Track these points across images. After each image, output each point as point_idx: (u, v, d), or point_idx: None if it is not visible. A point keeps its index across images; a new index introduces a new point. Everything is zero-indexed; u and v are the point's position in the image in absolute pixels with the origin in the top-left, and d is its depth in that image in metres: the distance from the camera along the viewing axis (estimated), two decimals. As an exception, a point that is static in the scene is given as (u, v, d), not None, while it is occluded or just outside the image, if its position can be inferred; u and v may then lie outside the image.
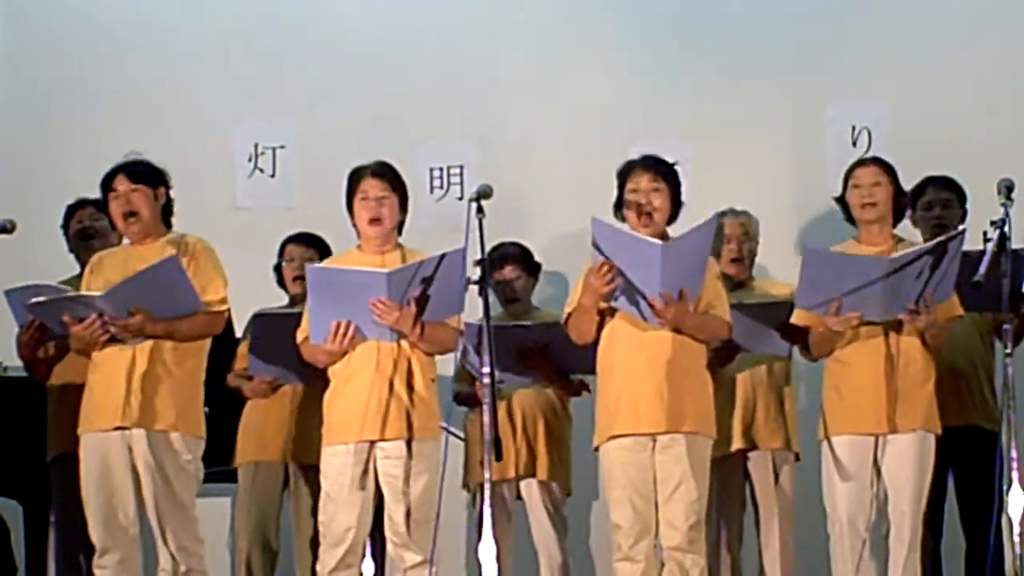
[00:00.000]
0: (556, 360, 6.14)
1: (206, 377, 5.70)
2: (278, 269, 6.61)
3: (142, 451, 5.44)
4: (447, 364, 5.57)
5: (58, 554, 6.23)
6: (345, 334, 5.39)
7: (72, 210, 6.45)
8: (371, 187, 5.57)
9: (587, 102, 7.81)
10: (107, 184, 5.65)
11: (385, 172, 5.61)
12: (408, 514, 5.38)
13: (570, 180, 7.63)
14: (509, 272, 6.52)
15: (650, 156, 5.66)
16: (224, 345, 5.92)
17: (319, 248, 6.49)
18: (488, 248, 6.40)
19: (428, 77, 7.90)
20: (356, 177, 5.62)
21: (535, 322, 6.25)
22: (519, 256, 6.57)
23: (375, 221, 5.55)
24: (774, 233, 6.77)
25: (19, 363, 6.12)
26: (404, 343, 5.44)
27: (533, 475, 6.38)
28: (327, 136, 7.78)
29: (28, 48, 8.15)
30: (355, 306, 5.35)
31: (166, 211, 5.72)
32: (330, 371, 5.55)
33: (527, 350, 6.16)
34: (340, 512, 5.42)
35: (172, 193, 5.73)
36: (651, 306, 5.34)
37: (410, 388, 5.44)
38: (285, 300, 6.60)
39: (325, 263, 5.88)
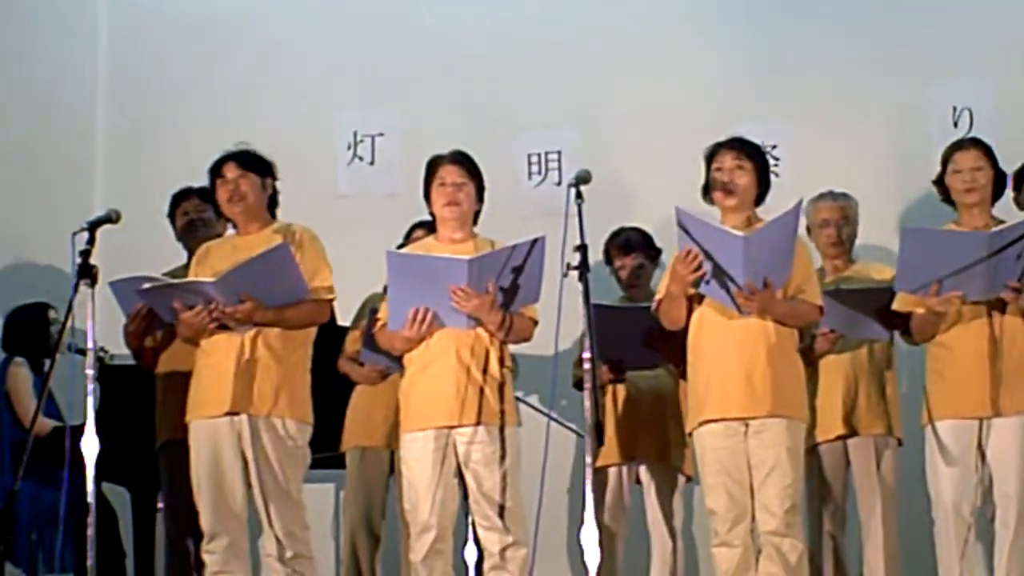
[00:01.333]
0: (681, 341, 6.11)
1: (311, 363, 5.74)
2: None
3: (250, 437, 5.49)
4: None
5: (166, 539, 6.30)
6: (423, 321, 5.41)
7: (178, 199, 6.50)
8: (448, 173, 5.59)
9: (686, 85, 7.79)
10: (216, 170, 5.71)
11: (463, 159, 5.63)
12: (495, 498, 5.40)
13: (669, 164, 7.58)
14: (632, 260, 6.49)
15: (735, 137, 5.65)
16: (328, 331, 5.96)
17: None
18: (609, 233, 6.46)
19: (527, 64, 7.91)
20: (434, 165, 5.64)
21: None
22: (643, 243, 6.53)
23: (451, 205, 5.57)
24: (874, 215, 6.71)
25: (126, 352, 6.21)
26: (482, 330, 5.46)
27: (651, 458, 6.35)
28: (426, 123, 7.81)
29: (131, 41, 8.26)
30: (434, 293, 5.36)
31: (272, 201, 5.77)
32: (407, 358, 5.57)
33: (654, 332, 6.14)
34: (423, 499, 5.45)
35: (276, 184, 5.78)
36: (736, 296, 5.33)
37: (488, 374, 5.46)
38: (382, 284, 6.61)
39: (405, 249, 5.90)
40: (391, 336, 5.53)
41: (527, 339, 5.49)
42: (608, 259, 6.55)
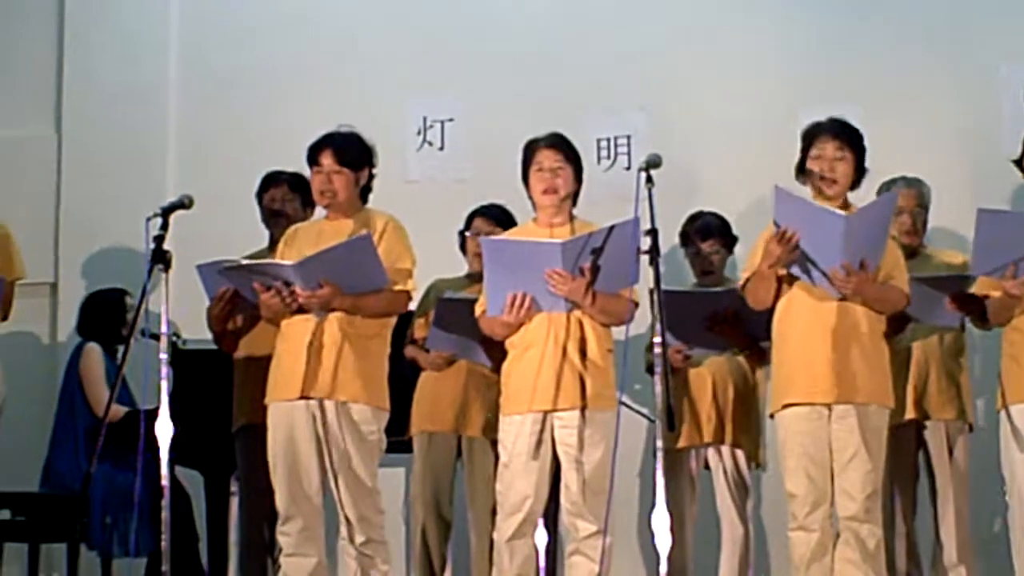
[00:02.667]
0: (746, 327, 6.09)
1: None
2: (463, 235, 6.64)
3: (327, 421, 5.52)
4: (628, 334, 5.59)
5: (242, 522, 6.35)
6: (521, 305, 5.43)
7: (267, 183, 6.51)
8: (546, 158, 5.59)
9: (755, 68, 7.75)
10: (314, 154, 5.72)
11: (560, 143, 5.63)
12: (584, 483, 5.41)
13: (738, 148, 7.58)
14: (709, 246, 6.47)
15: (837, 121, 5.61)
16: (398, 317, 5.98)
17: (504, 224, 6.45)
18: (686, 217, 6.45)
19: (595, 48, 7.89)
20: (531, 149, 5.65)
21: (724, 287, 6.21)
22: (720, 229, 6.50)
23: (549, 191, 5.57)
24: (946, 197, 6.64)
25: (198, 336, 6.25)
26: (579, 313, 5.46)
27: (721, 443, 6.35)
28: (494, 108, 7.81)
29: (202, 29, 8.30)
30: (530, 277, 5.38)
31: (365, 189, 5.79)
32: (508, 343, 5.59)
33: (716, 316, 6.13)
34: (517, 481, 5.47)
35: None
36: (831, 276, 5.31)
37: (586, 358, 5.46)
38: (458, 272, 6.65)
39: (503, 235, 5.91)
40: (491, 322, 5.55)
41: (624, 321, 5.45)
42: (684, 242, 6.54)
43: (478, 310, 5.63)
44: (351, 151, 5.72)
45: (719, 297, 6.14)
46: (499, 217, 6.48)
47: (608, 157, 7.84)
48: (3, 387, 6.54)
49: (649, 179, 5.10)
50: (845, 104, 7.22)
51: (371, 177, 5.80)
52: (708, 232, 6.48)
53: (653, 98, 7.80)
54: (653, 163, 5.15)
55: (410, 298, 5.79)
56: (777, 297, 5.52)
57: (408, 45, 8.05)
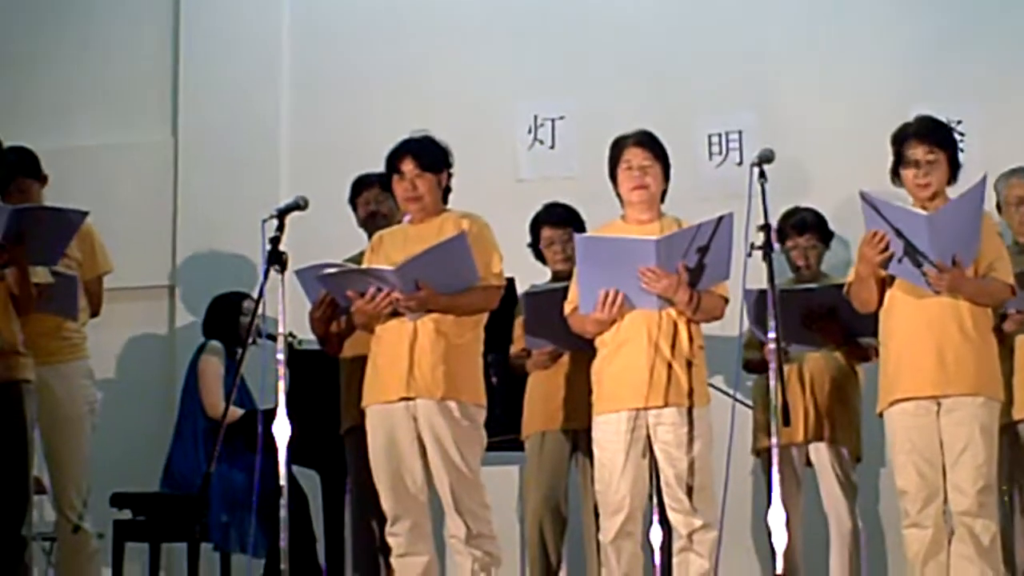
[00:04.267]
0: (844, 323, 6.07)
1: (491, 346, 5.79)
2: (534, 246, 6.63)
3: (426, 421, 5.53)
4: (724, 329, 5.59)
5: (353, 522, 6.40)
6: (614, 303, 5.43)
7: (358, 187, 6.59)
8: (634, 156, 5.59)
9: (864, 63, 7.70)
10: (393, 162, 5.75)
11: (648, 141, 5.62)
12: (685, 480, 5.40)
13: (849, 143, 7.53)
14: (805, 241, 6.48)
15: (925, 121, 5.56)
16: (504, 315, 6.00)
17: (570, 221, 6.47)
18: (782, 213, 6.42)
19: (704, 44, 7.87)
20: (619, 146, 5.65)
21: (820, 284, 6.19)
22: (816, 224, 6.52)
23: (639, 188, 5.57)
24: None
25: (314, 337, 6.31)
26: (672, 310, 5.46)
27: (822, 439, 6.33)
28: (605, 106, 7.80)
29: (314, 32, 8.39)
30: (623, 274, 5.38)
31: (445, 191, 5.81)
32: (599, 340, 5.58)
33: (813, 314, 6.11)
34: (615, 480, 5.46)
35: (454, 169, 5.82)
36: (927, 274, 5.28)
37: (680, 354, 5.45)
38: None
39: (592, 232, 5.91)
40: (583, 319, 5.54)
41: (718, 317, 5.48)
42: (781, 238, 6.52)
43: (567, 307, 5.64)
44: (430, 155, 5.75)
45: (813, 294, 6.14)
46: (565, 217, 6.50)
47: (719, 153, 7.82)
48: (94, 390, 6.63)
49: (762, 174, 5.10)
50: (959, 98, 7.21)
51: (449, 177, 5.82)
52: (804, 227, 6.49)
53: (763, 94, 7.77)
54: (766, 158, 5.14)
55: (501, 294, 5.77)
56: (882, 297, 5.49)
57: (519, 44, 8.08)
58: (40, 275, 5.90)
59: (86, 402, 6.47)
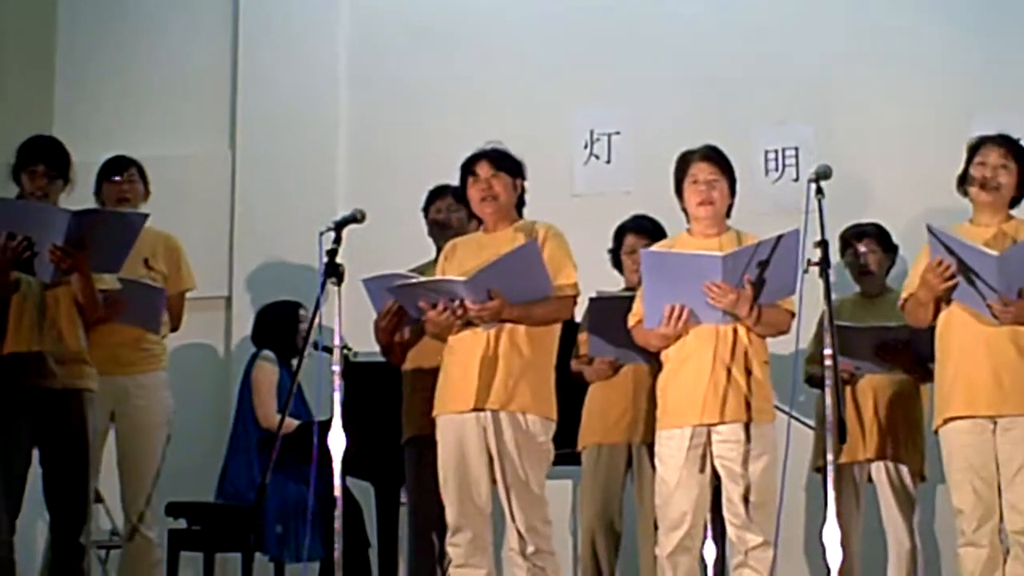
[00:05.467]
0: (915, 353, 6.07)
1: (552, 359, 5.80)
2: (615, 253, 6.65)
3: (496, 433, 5.53)
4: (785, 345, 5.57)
5: (411, 532, 6.37)
6: (679, 318, 5.42)
7: (433, 196, 6.56)
8: (701, 170, 5.59)
9: (922, 78, 7.68)
10: (468, 167, 5.77)
11: (714, 156, 5.63)
12: (747, 496, 5.39)
13: (907, 159, 7.51)
14: (865, 245, 6.50)
15: (1003, 134, 5.57)
16: (565, 328, 6.00)
17: (656, 236, 6.46)
18: (843, 228, 6.42)
19: (761, 60, 7.87)
20: (685, 161, 5.65)
21: (898, 323, 6.15)
22: (875, 233, 6.54)
23: (705, 203, 5.57)
24: None
25: (368, 348, 6.33)
26: (737, 325, 5.45)
27: (885, 457, 6.31)
28: (661, 121, 7.81)
29: (372, 43, 8.43)
30: (689, 289, 5.38)
31: (519, 201, 5.83)
32: (663, 355, 5.58)
33: (887, 346, 6.12)
34: (676, 495, 5.46)
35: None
36: (992, 306, 5.29)
37: (746, 371, 5.44)
38: (620, 284, 6.64)
39: (658, 247, 5.91)
40: (647, 333, 5.55)
41: (784, 332, 5.48)
42: (843, 251, 6.52)
43: (632, 320, 5.64)
44: (504, 158, 5.77)
45: (890, 332, 6.13)
46: (650, 230, 6.49)
47: (776, 169, 7.80)
48: (172, 401, 6.69)
49: (819, 190, 5.09)
50: (1016, 114, 7.16)
51: (523, 190, 5.83)
52: (863, 233, 6.52)
53: (821, 109, 7.76)
54: (823, 174, 5.13)
55: (575, 303, 5.79)
56: (936, 313, 5.47)
57: (576, 58, 8.09)
58: (106, 282, 5.95)
59: (164, 412, 6.55)
